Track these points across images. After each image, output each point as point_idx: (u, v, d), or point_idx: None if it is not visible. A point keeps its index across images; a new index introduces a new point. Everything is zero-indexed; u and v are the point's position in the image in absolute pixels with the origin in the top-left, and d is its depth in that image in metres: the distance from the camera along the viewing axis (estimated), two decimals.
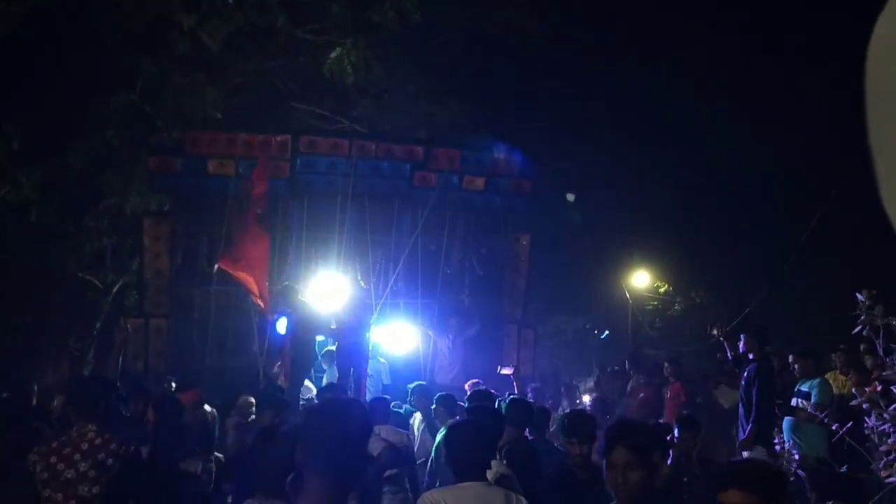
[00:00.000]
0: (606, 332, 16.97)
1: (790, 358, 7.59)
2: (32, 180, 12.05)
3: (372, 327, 8.99)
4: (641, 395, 10.31)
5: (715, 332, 8.54)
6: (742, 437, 7.37)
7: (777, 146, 14.12)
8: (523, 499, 3.48)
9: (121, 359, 9.43)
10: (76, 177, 12.29)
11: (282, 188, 9.29)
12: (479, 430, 3.68)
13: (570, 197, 9.77)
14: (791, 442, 6.99)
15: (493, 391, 6.67)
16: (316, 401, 7.45)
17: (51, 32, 11.51)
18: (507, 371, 8.73)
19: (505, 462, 4.29)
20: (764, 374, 7.24)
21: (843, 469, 7.23)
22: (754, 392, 7.18)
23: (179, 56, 11.76)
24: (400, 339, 9.52)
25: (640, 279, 16.56)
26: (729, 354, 8.26)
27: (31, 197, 12.14)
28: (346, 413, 2.26)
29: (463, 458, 3.44)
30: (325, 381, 9.15)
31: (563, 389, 12.23)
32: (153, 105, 12.38)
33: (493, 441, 3.81)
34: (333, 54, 12.56)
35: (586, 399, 12.99)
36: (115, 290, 12.60)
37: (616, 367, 12.43)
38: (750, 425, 7.15)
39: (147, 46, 11.71)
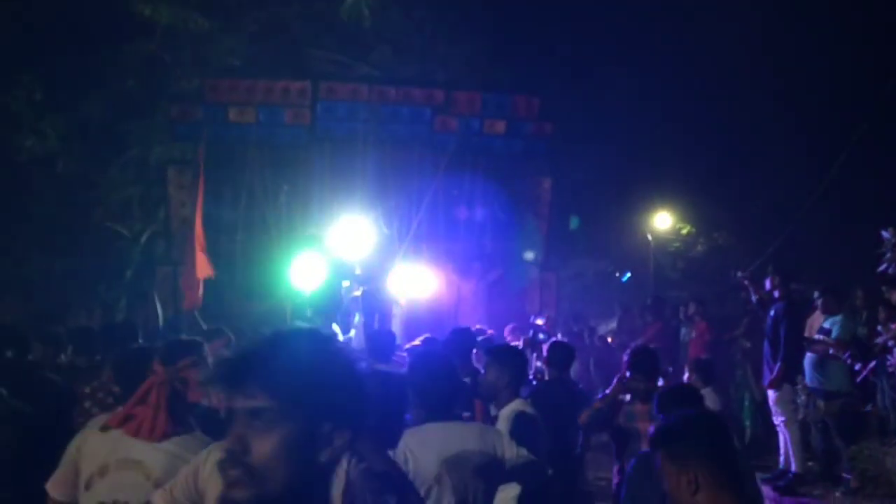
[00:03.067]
0: (628, 274, 16.93)
1: (815, 294, 7.48)
2: (56, 131, 12.14)
3: (396, 272, 9.03)
4: (651, 331, 10.43)
5: (739, 274, 8.50)
6: (769, 376, 7.34)
7: (801, 84, 13.79)
8: (502, 437, 3.19)
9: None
10: (98, 127, 12.37)
11: (302, 135, 9.25)
12: (439, 361, 3.27)
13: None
14: (814, 378, 7.12)
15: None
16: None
17: None
18: (540, 321, 8.76)
19: (529, 400, 4.11)
20: (790, 312, 7.17)
21: (868, 408, 7.31)
22: (782, 331, 7.11)
23: (196, 4, 11.65)
24: (423, 283, 9.55)
25: (662, 221, 16.38)
26: (753, 297, 8.16)
27: (56, 148, 12.26)
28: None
29: (426, 393, 3.07)
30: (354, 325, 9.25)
31: (585, 332, 12.26)
32: (172, 54, 12.33)
33: (456, 374, 3.36)
34: None
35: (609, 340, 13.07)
36: (143, 239, 12.73)
37: (642, 305, 12.39)
38: (778, 364, 7.10)
39: None
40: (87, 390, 4.09)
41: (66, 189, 12.46)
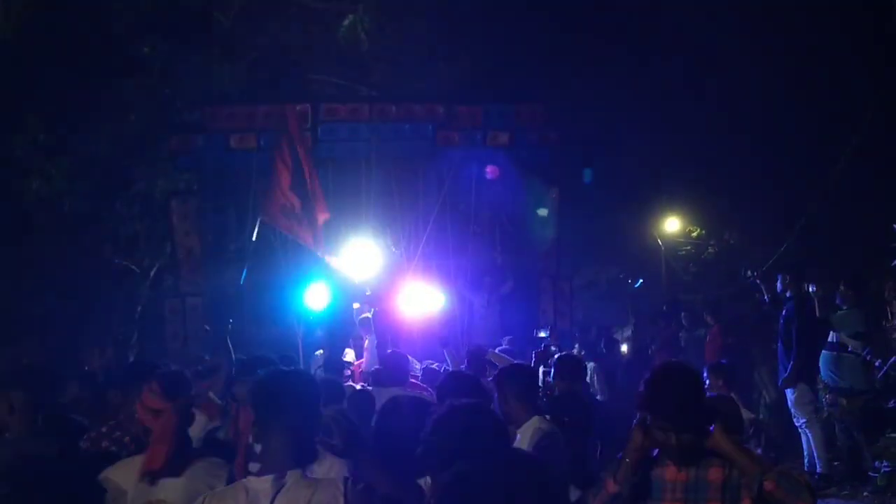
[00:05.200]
0: (640, 280, 16.64)
1: (841, 287, 7.28)
2: (61, 172, 12.04)
3: (406, 291, 8.80)
4: (661, 338, 10.64)
5: (750, 274, 8.42)
6: (783, 375, 7.35)
7: (809, 79, 13.53)
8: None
9: None
10: (103, 165, 12.26)
11: None
12: (468, 381, 3.41)
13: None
14: (829, 377, 7.09)
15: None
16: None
17: (61, 21, 11.39)
18: (543, 334, 8.56)
19: (548, 417, 4.03)
20: (802, 311, 7.19)
21: (891, 404, 7.08)
22: (793, 330, 7.15)
23: (193, 35, 11.59)
24: (434, 300, 9.31)
25: (672, 224, 16.10)
26: (766, 296, 8.23)
27: (62, 188, 12.14)
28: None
29: None
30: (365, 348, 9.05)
31: (603, 343, 11.98)
32: (171, 87, 12.25)
33: (485, 394, 3.54)
34: (346, 21, 12.31)
35: (625, 348, 12.84)
36: (152, 273, 12.57)
37: (656, 311, 12.18)
38: (791, 363, 7.12)
39: (159, 28, 11.56)
40: (104, 430, 3.97)
41: (74, 227, 12.34)
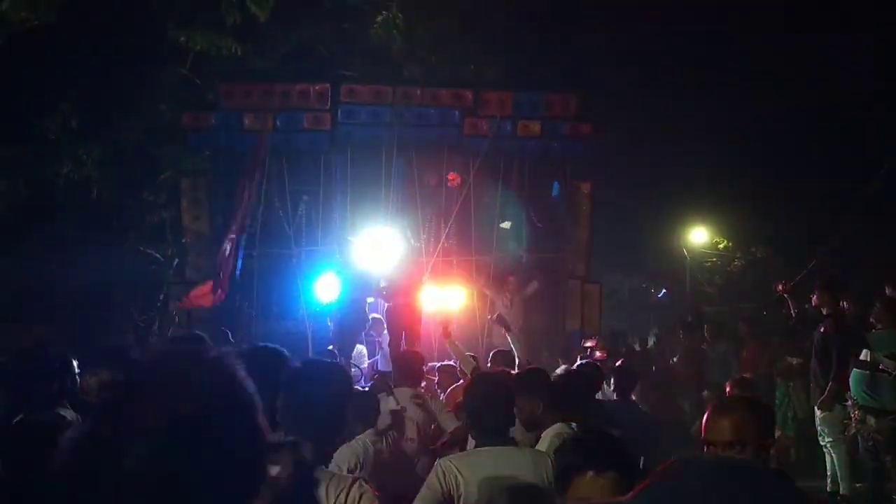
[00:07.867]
0: (664, 290, 15.19)
1: (877, 305, 6.39)
2: (92, 157, 11.19)
3: (424, 287, 7.48)
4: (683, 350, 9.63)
5: (779, 288, 7.67)
6: (817, 393, 6.61)
7: (840, 89, 12.23)
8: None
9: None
10: (133, 152, 11.39)
11: (322, 141, 7.79)
12: (497, 385, 2.99)
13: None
14: (861, 395, 6.31)
15: None
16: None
17: (97, 8, 10.50)
18: (590, 343, 7.27)
19: (574, 425, 3.45)
20: (841, 329, 6.44)
21: None
22: (833, 349, 6.41)
23: (229, 28, 10.66)
24: (454, 299, 7.94)
25: (698, 235, 14.68)
26: (793, 311, 7.48)
27: (93, 174, 11.28)
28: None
29: (479, 416, 2.84)
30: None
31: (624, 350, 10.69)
32: (203, 77, 11.32)
33: (511, 398, 3.03)
34: (380, 18, 11.30)
35: None
36: (175, 262, 11.58)
37: (682, 323, 10.88)
38: (830, 383, 6.41)
39: (196, 20, 10.64)
40: None
41: (100, 214, 11.45)
